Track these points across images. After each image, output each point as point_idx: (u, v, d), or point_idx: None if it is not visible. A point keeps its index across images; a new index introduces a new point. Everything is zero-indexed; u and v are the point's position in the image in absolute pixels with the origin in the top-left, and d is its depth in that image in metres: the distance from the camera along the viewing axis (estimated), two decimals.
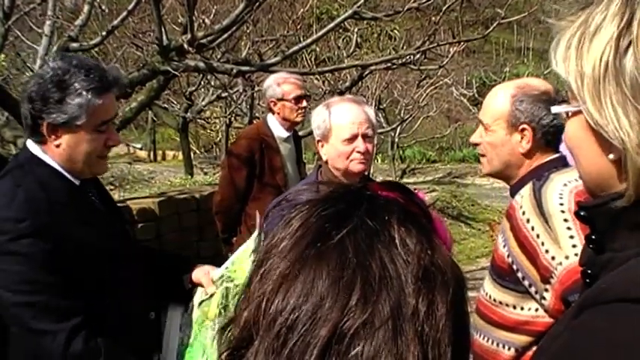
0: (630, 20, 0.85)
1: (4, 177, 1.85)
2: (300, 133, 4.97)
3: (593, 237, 0.95)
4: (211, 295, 2.04)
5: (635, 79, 0.83)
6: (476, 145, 2.09)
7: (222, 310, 1.99)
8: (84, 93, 1.79)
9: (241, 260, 2.06)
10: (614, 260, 0.89)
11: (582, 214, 0.97)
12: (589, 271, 0.96)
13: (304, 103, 3.84)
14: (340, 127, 2.33)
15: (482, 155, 2.05)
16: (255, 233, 2.07)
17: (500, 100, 1.96)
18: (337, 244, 0.67)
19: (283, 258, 0.69)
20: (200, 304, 2.06)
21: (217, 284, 2.04)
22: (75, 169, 1.89)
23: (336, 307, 0.64)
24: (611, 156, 0.88)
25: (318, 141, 2.41)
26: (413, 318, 0.65)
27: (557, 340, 0.88)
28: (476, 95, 16.41)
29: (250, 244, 2.06)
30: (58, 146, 1.84)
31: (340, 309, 0.64)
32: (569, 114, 0.94)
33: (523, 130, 1.92)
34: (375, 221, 0.69)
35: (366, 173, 2.54)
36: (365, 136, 2.35)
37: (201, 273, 2.08)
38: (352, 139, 2.32)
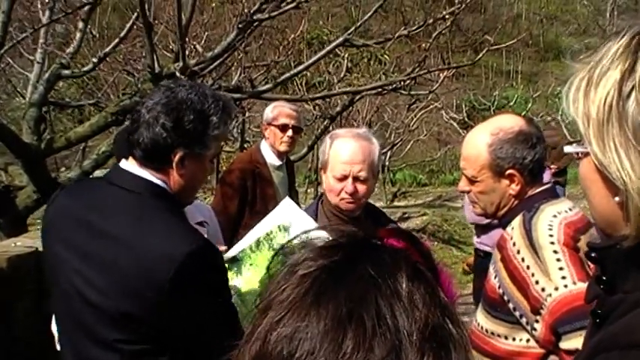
0: (633, 66, 0.87)
1: (149, 221, 1.68)
2: (292, 158, 4.97)
3: (604, 278, 0.96)
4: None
5: (637, 123, 0.85)
6: (464, 192, 2.08)
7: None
8: (222, 126, 1.74)
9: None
10: (625, 301, 0.90)
11: (592, 255, 0.99)
12: (599, 312, 0.97)
13: (290, 133, 3.81)
14: (335, 163, 2.30)
15: (474, 202, 2.04)
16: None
17: (479, 151, 1.95)
18: (334, 295, 0.69)
19: (286, 307, 0.71)
20: None
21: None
22: (184, 198, 1.82)
23: (328, 355, 0.65)
24: (616, 198, 0.89)
25: (321, 168, 2.41)
26: None
27: None
28: (466, 119, 16.51)
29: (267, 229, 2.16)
30: (181, 175, 1.73)
31: (332, 357, 0.65)
32: (580, 154, 0.96)
33: (510, 175, 1.93)
34: (378, 273, 0.70)
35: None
36: (357, 179, 2.28)
37: None
38: (342, 179, 2.29)
